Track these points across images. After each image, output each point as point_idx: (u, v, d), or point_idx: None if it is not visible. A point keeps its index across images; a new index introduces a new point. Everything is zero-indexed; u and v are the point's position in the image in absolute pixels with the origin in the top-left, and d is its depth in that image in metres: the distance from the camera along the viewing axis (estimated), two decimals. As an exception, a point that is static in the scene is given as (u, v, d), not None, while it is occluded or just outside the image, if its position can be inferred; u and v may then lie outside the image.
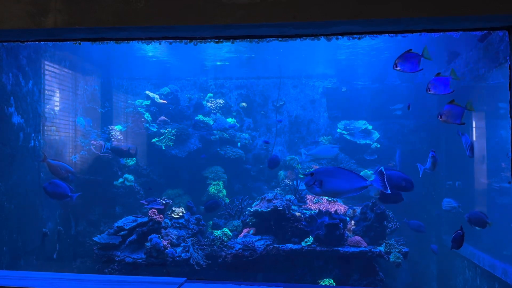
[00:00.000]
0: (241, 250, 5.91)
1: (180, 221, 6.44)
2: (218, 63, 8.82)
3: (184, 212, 6.61)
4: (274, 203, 6.35)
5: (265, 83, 9.20)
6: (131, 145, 6.31)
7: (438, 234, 7.73)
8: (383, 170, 3.71)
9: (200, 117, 8.36)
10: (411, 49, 4.24)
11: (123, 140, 8.11)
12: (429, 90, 4.27)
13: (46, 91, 6.41)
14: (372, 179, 3.63)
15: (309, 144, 8.87)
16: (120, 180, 7.55)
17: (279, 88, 9.11)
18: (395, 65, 4.23)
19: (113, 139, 7.76)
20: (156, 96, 8.49)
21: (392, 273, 6.49)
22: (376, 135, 8.32)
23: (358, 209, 6.60)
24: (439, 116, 4.37)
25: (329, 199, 7.22)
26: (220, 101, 8.83)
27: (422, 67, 4.28)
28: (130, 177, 7.61)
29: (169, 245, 5.89)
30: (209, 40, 2.65)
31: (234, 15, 2.28)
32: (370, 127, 8.39)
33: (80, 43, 2.72)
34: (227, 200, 7.43)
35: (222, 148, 8.22)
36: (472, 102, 4.30)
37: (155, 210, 6.20)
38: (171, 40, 2.63)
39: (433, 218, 7.83)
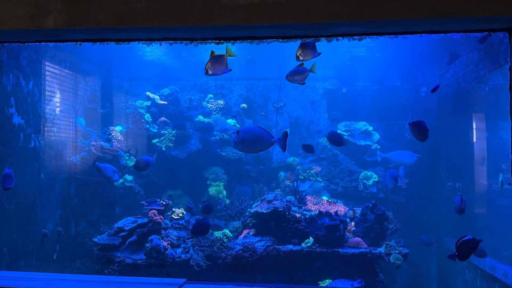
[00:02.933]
0: (241, 251, 5.91)
1: (180, 222, 6.44)
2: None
3: (184, 213, 6.61)
4: (274, 204, 6.35)
5: (266, 84, 9.20)
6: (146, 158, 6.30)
7: (439, 235, 7.73)
8: (288, 132, 4.62)
9: (200, 118, 8.37)
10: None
11: (124, 141, 8.11)
12: (207, 72, 4.34)
13: (46, 92, 6.42)
14: (277, 138, 4.52)
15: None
16: (120, 180, 7.55)
17: (279, 89, 9.12)
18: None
19: (113, 140, 7.75)
20: (157, 97, 8.49)
21: (392, 275, 6.48)
22: (376, 136, 8.31)
23: (359, 210, 6.59)
24: (287, 76, 4.85)
25: (330, 200, 7.22)
26: (221, 102, 8.83)
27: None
28: (130, 177, 7.61)
29: (169, 246, 5.89)
30: (209, 41, 2.65)
31: (234, 16, 2.28)
32: (371, 128, 8.38)
33: (80, 44, 2.72)
34: (227, 201, 7.43)
35: (223, 149, 8.22)
36: (315, 66, 4.74)
37: (155, 211, 6.20)
38: (171, 41, 2.64)
39: (433, 220, 7.82)
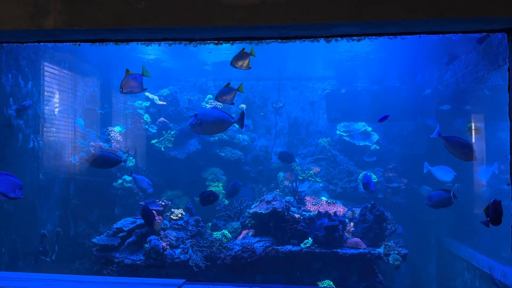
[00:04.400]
0: (240, 251, 5.91)
1: (179, 222, 6.44)
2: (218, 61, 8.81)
3: (183, 213, 6.60)
4: (273, 204, 6.35)
5: (265, 84, 9.20)
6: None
7: (438, 236, 7.73)
8: (244, 111, 4.95)
9: (200, 118, 8.35)
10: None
11: (123, 141, 8.10)
12: (122, 90, 4.54)
13: (45, 92, 6.41)
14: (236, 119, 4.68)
15: (308, 146, 8.87)
16: (119, 181, 7.54)
17: (278, 90, 9.12)
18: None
19: (113, 141, 7.75)
20: (156, 97, 8.48)
21: (391, 275, 6.48)
22: (375, 137, 8.32)
23: (357, 211, 6.60)
24: (216, 97, 4.93)
25: (329, 201, 7.22)
26: (222, 103, 8.82)
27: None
28: (129, 178, 7.60)
29: (168, 247, 5.88)
30: (208, 41, 2.65)
31: (233, 17, 2.28)
32: (370, 128, 8.39)
33: (79, 44, 2.72)
34: (226, 202, 7.42)
35: (222, 149, 8.22)
36: (242, 86, 4.93)
37: (154, 211, 6.19)
38: (170, 42, 2.64)
39: (432, 221, 7.83)
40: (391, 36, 2.53)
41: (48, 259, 6.17)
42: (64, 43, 2.72)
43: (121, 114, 8.69)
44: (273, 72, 9.06)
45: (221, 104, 4.94)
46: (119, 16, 2.34)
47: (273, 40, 2.59)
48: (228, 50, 7.85)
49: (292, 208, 6.57)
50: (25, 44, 2.76)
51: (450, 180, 6.49)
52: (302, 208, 6.83)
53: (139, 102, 8.55)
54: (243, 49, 4.39)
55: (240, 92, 4.83)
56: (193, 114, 4.62)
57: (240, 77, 9.22)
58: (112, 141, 7.77)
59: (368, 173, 7.78)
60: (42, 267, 6.08)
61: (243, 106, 9.05)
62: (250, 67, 4.59)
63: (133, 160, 7.86)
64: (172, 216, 6.47)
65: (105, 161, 5.72)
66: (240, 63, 4.55)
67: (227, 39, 2.62)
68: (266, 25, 2.31)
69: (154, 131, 8.17)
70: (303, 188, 7.80)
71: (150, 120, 8.31)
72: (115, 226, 6.27)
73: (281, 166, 8.50)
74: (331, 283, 5.77)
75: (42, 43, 2.83)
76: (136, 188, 7.65)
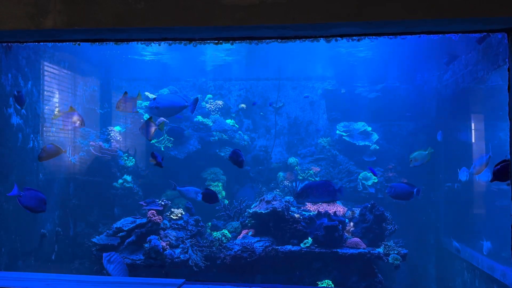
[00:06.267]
0: (240, 251, 5.91)
1: (179, 222, 6.44)
2: (218, 63, 8.82)
3: (183, 213, 6.60)
4: (273, 204, 6.35)
5: (265, 84, 9.20)
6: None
7: (437, 236, 7.74)
8: (198, 98, 5.74)
9: (199, 118, 8.36)
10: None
11: (123, 141, 8.10)
12: (117, 108, 5.45)
13: (45, 92, 6.41)
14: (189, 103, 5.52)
15: (308, 146, 8.87)
16: (119, 181, 7.54)
17: (278, 90, 9.11)
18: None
19: (112, 140, 7.75)
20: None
21: (391, 275, 6.48)
22: (375, 136, 8.33)
23: (357, 211, 6.60)
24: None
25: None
26: (219, 102, 8.82)
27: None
28: (129, 178, 7.60)
29: (167, 247, 5.88)
30: (208, 41, 2.65)
31: (233, 17, 2.28)
32: (369, 128, 8.39)
33: (79, 44, 2.72)
34: (226, 202, 7.42)
35: (221, 149, 8.21)
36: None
37: (154, 211, 6.19)
38: (170, 41, 2.64)
39: (432, 221, 7.83)
40: (391, 36, 2.53)
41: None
42: (64, 43, 2.72)
43: (121, 113, 8.68)
44: (272, 72, 9.06)
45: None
46: (119, 16, 2.34)
47: (273, 40, 2.59)
48: (228, 50, 7.85)
49: (292, 208, 6.57)
50: (25, 43, 2.75)
51: (465, 179, 6.51)
52: (302, 208, 6.83)
53: (139, 102, 8.54)
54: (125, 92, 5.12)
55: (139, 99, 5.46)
56: (153, 98, 5.41)
57: (240, 77, 9.24)
58: (112, 140, 7.76)
59: (368, 173, 7.79)
60: (42, 267, 6.08)
61: (243, 106, 9.06)
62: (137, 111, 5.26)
63: (133, 159, 7.86)
64: (172, 216, 6.47)
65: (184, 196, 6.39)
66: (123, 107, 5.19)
67: (227, 39, 2.61)
68: (266, 25, 2.31)
69: (154, 131, 8.16)
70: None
71: (149, 120, 8.30)
72: (115, 226, 6.27)
73: (281, 166, 8.50)
74: (331, 283, 5.77)
75: (41, 43, 2.83)
76: (136, 188, 7.66)
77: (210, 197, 5.92)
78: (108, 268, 5.53)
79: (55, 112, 5.67)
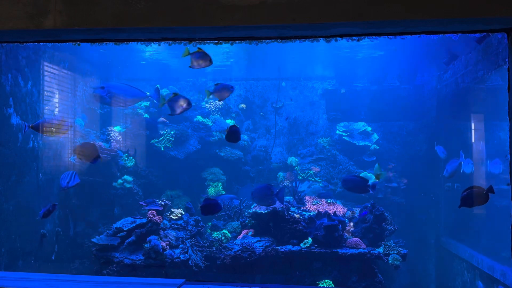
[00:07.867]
0: (239, 251, 5.90)
1: (179, 222, 6.44)
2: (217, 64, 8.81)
3: (183, 213, 6.60)
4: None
5: (265, 84, 9.20)
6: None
7: (437, 236, 7.73)
8: (158, 87, 5.64)
9: (199, 118, 8.36)
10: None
11: (122, 141, 8.09)
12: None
13: (45, 92, 6.40)
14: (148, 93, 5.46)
15: (308, 146, 8.87)
16: (119, 181, 7.54)
17: (278, 90, 9.11)
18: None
19: (112, 141, 7.75)
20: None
21: (390, 275, 6.49)
22: (375, 136, 8.33)
23: (357, 211, 6.60)
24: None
25: (328, 201, 7.22)
26: (219, 102, 8.82)
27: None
28: (129, 178, 7.60)
29: (167, 247, 5.88)
30: (208, 41, 2.65)
31: (233, 17, 2.28)
32: (369, 128, 8.39)
33: (79, 44, 2.72)
34: (226, 202, 7.42)
35: (221, 149, 8.22)
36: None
37: (153, 211, 6.19)
38: (170, 41, 2.64)
39: (432, 221, 7.83)
40: (391, 36, 2.53)
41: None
42: (64, 43, 2.72)
43: (120, 114, 8.68)
44: (272, 72, 9.06)
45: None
46: (118, 16, 2.34)
47: (272, 40, 2.59)
48: (228, 50, 7.85)
49: (292, 208, 6.57)
50: (24, 44, 2.76)
51: (469, 171, 6.49)
52: (302, 208, 6.83)
53: (139, 102, 8.54)
54: (199, 48, 4.66)
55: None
56: (100, 86, 5.24)
57: (240, 77, 9.24)
58: (112, 141, 7.76)
59: (368, 173, 7.79)
60: (42, 267, 6.08)
61: (243, 106, 9.06)
62: (212, 62, 4.80)
63: (133, 160, 7.86)
64: (171, 216, 6.47)
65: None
66: (200, 62, 4.81)
67: (227, 39, 2.62)
68: (266, 25, 2.31)
69: (154, 131, 8.16)
70: (302, 188, 7.80)
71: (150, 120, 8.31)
72: (115, 226, 6.27)
73: (281, 166, 8.50)
74: (331, 283, 5.77)
75: (41, 43, 2.83)
76: (136, 188, 7.66)
77: (210, 208, 5.50)
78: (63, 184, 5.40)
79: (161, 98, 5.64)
